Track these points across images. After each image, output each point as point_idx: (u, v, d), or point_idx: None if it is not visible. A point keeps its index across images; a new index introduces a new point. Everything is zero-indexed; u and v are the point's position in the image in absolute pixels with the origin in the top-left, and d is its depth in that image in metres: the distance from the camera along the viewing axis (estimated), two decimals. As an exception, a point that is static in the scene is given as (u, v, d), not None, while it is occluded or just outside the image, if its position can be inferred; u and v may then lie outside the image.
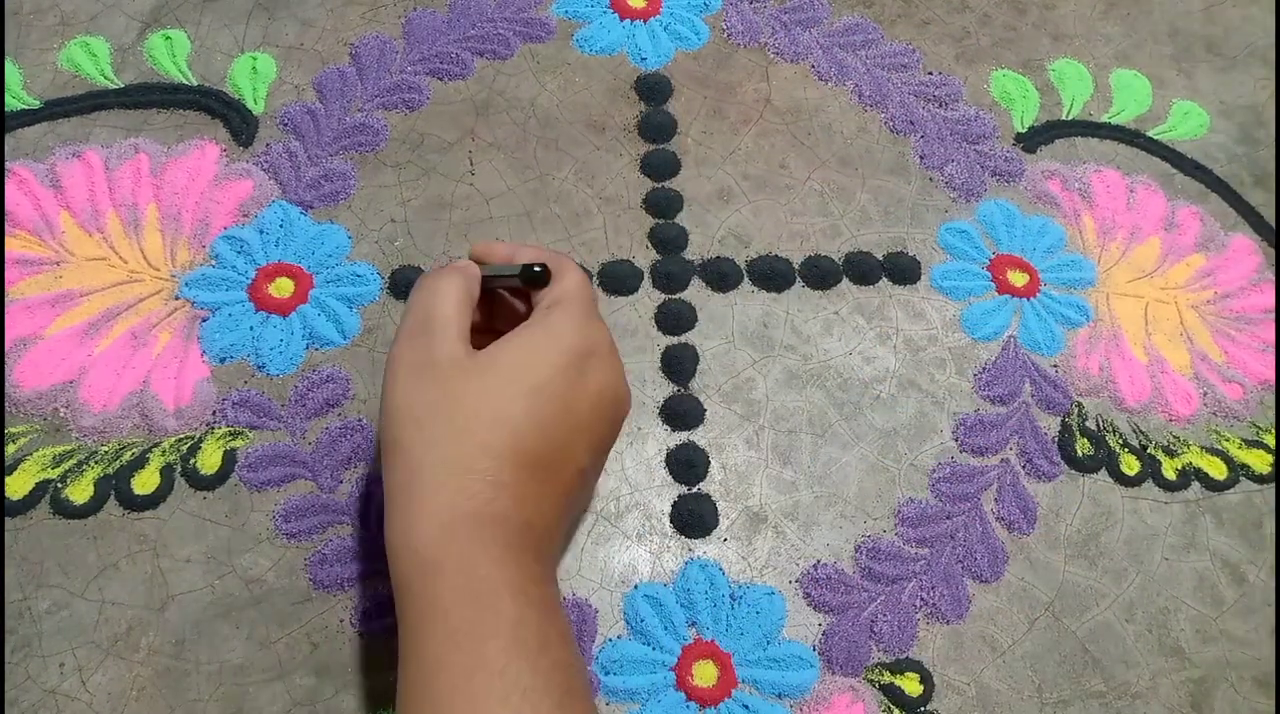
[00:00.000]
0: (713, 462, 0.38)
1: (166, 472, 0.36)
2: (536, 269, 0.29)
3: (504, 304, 0.33)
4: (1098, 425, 0.41)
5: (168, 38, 0.46)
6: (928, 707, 0.34)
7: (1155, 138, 0.50)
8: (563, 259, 0.31)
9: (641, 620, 0.34)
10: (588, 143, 0.45)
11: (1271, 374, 0.43)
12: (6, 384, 0.37)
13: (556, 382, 0.27)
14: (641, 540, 0.36)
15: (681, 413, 0.39)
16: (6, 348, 0.37)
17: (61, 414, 0.36)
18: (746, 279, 0.42)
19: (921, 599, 0.36)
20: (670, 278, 0.42)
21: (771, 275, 0.43)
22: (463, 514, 0.25)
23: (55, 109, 0.44)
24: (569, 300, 0.29)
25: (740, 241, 0.43)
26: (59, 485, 0.35)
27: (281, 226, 0.41)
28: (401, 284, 0.41)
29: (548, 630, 0.24)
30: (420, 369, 0.27)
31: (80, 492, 0.35)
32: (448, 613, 0.24)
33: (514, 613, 0.24)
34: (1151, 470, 0.40)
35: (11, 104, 0.43)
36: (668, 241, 0.43)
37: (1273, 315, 0.45)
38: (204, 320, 0.39)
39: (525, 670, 0.23)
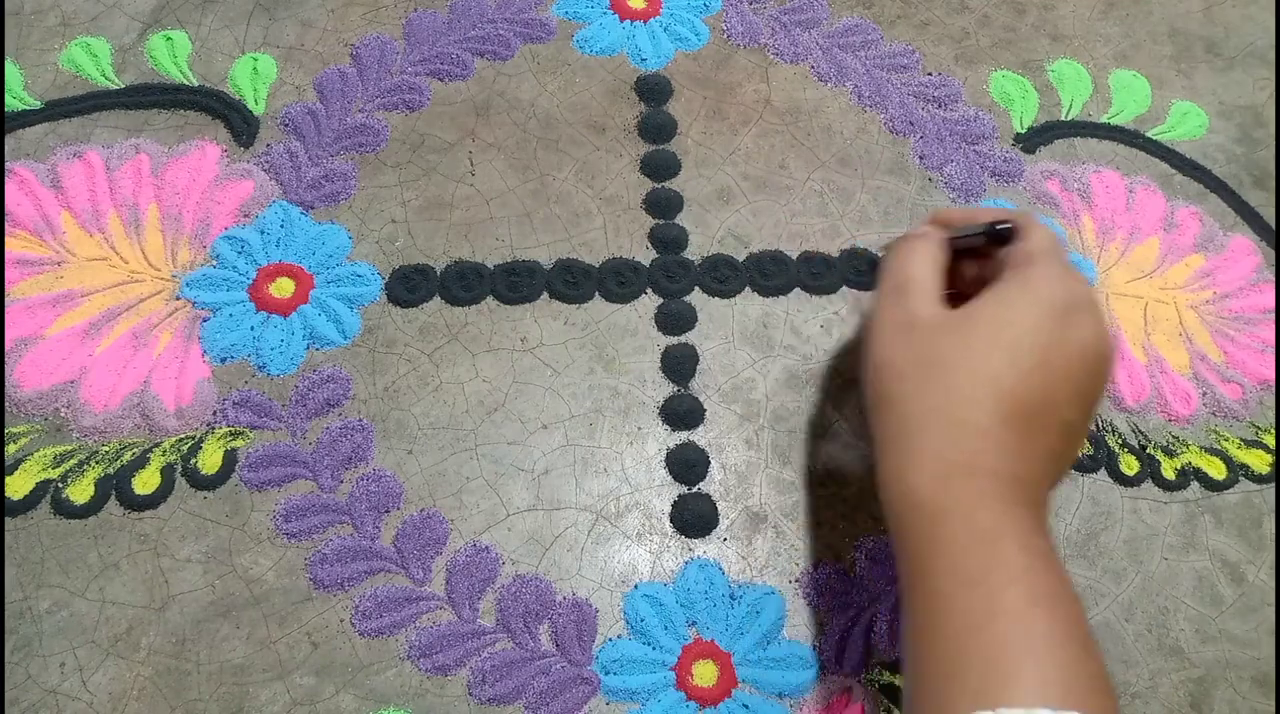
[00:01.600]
0: (713, 462, 0.38)
1: (167, 471, 0.36)
2: (1001, 227, 0.30)
3: (963, 272, 0.33)
4: (1097, 425, 0.41)
5: (169, 38, 0.46)
6: (927, 706, 0.34)
7: (1154, 138, 0.50)
8: (1027, 216, 0.31)
9: (641, 620, 0.34)
10: (588, 143, 0.45)
11: (1271, 374, 0.44)
12: (7, 384, 0.37)
13: (1037, 335, 0.27)
14: (641, 540, 0.36)
15: (681, 413, 0.39)
16: (7, 348, 0.37)
17: (62, 414, 0.37)
18: (746, 279, 0.42)
19: (921, 599, 0.36)
20: (670, 278, 0.42)
21: (771, 275, 0.43)
22: (955, 464, 0.26)
23: (56, 109, 0.44)
24: (1043, 254, 0.29)
25: (740, 242, 0.44)
26: (60, 485, 0.35)
27: (282, 227, 0.41)
28: (402, 284, 0.41)
29: (1055, 582, 0.25)
30: (902, 327, 0.28)
31: (81, 491, 0.35)
32: (956, 558, 0.24)
33: (1023, 561, 0.24)
34: (1151, 470, 0.40)
35: (12, 104, 0.43)
36: (668, 242, 0.43)
37: (1272, 315, 0.45)
38: (205, 320, 0.39)
39: (1043, 618, 0.23)
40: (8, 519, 0.34)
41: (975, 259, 0.33)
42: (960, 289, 0.30)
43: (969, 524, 0.25)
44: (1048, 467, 0.27)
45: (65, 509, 0.35)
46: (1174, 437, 0.41)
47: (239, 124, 0.44)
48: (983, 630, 0.23)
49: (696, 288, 0.42)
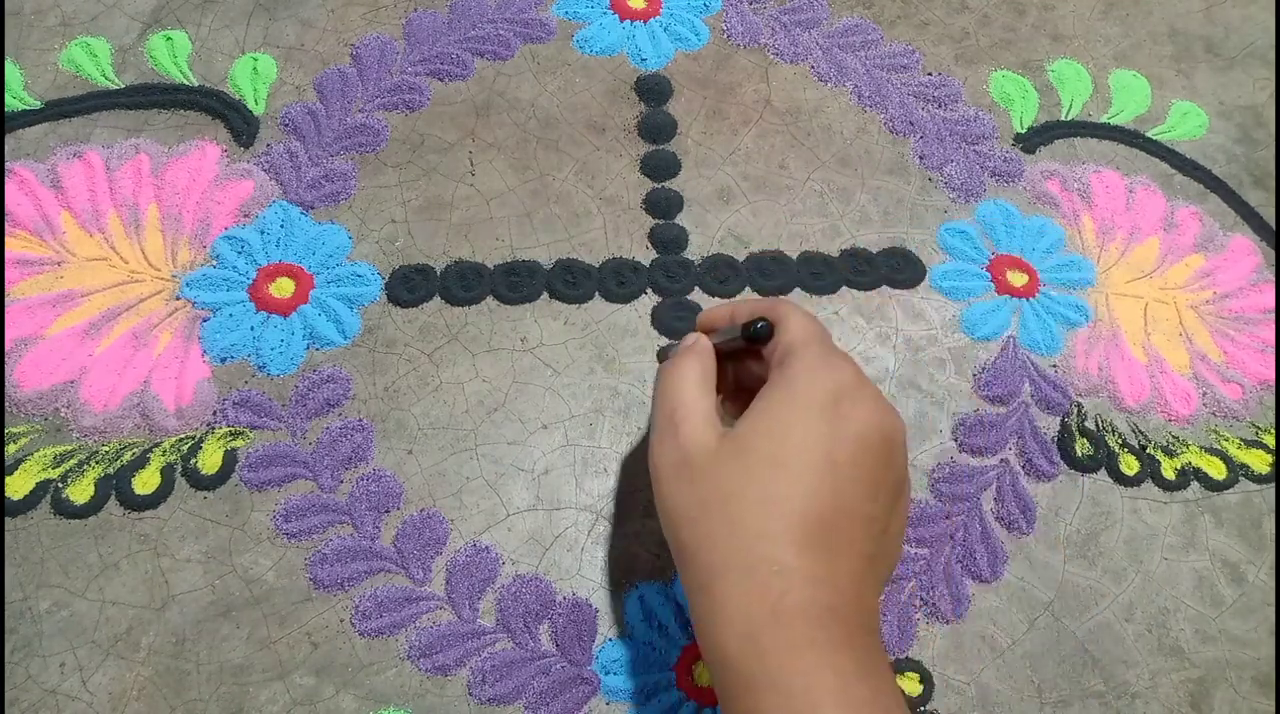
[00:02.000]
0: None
1: (167, 471, 0.36)
2: (757, 327, 0.29)
3: (747, 367, 0.32)
4: (1097, 425, 0.41)
5: (168, 38, 0.46)
6: (927, 707, 0.34)
7: (1154, 138, 0.50)
8: (781, 305, 0.30)
9: (641, 620, 0.34)
10: (588, 143, 0.45)
11: (1271, 374, 0.44)
12: (7, 384, 0.37)
13: (809, 441, 0.25)
14: (641, 540, 0.36)
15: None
16: (7, 348, 0.37)
17: (62, 414, 0.37)
18: (746, 279, 0.42)
19: (921, 599, 0.36)
20: (670, 278, 0.42)
21: (771, 275, 0.43)
22: (760, 617, 0.24)
23: (56, 109, 0.44)
24: (797, 347, 0.28)
25: (740, 242, 0.44)
26: (60, 485, 0.35)
27: (282, 227, 0.41)
28: (402, 284, 0.41)
29: None
30: (679, 467, 0.27)
31: (81, 491, 0.35)
32: None
33: (856, 693, 0.23)
34: (1151, 470, 0.40)
35: (12, 104, 0.43)
36: (668, 242, 0.43)
37: (1272, 315, 0.45)
38: (205, 320, 0.39)
39: None
40: (8, 519, 0.34)
41: (751, 356, 0.31)
42: (750, 387, 0.29)
43: (785, 695, 0.23)
44: (864, 576, 0.26)
45: (65, 509, 0.35)
46: (1174, 437, 0.41)
47: (239, 124, 0.44)
48: None
49: (697, 288, 0.42)
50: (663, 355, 0.35)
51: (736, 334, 0.30)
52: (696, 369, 0.29)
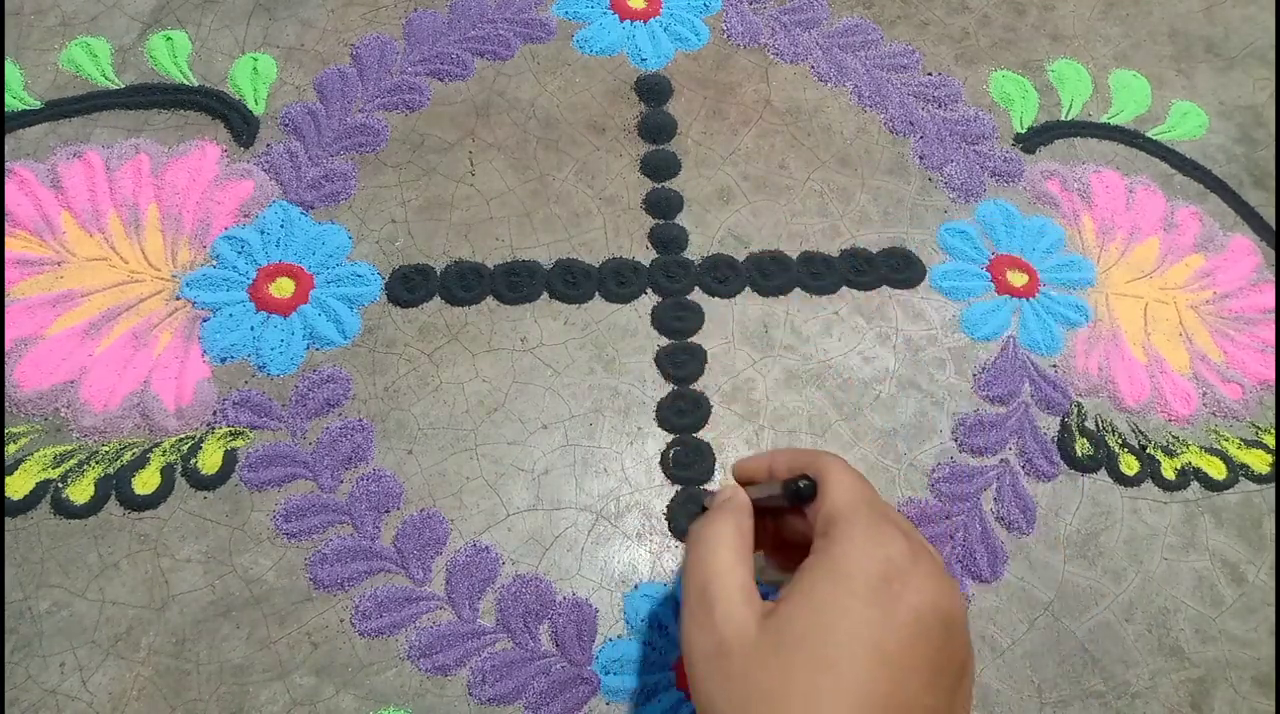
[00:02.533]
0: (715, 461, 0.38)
1: (167, 471, 0.36)
2: (800, 486, 0.26)
3: (787, 517, 0.29)
4: (1097, 425, 0.41)
5: (169, 38, 0.46)
6: (927, 706, 0.34)
7: (1154, 138, 0.50)
8: (823, 458, 0.27)
9: (641, 620, 0.34)
10: (588, 143, 0.45)
11: (1271, 374, 0.44)
12: (7, 384, 0.37)
13: (857, 631, 0.23)
14: (641, 540, 0.36)
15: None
16: (7, 348, 0.37)
17: (62, 414, 0.36)
18: (746, 279, 0.42)
19: (921, 599, 0.36)
20: (670, 278, 0.42)
21: (771, 275, 0.43)
22: None
23: (56, 109, 0.44)
24: (842, 514, 0.25)
25: (740, 242, 0.44)
26: (60, 485, 0.35)
27: (282, 227, 0.41)
28: (402, 284, 0.41)
29: None
30: (713, 656, 0.24)
31: (81, 492, 0.35)
32: None
33: None
34: (1151, 470, 0.40)
35: (12, 104, 0.43)
36: (668, 241, 0.43)
37: (1272, 315, 0.45)
38: (205, 320, 0.39)
39: None
40: (8, 519, 0.34)
41: (793, 511, 0.28)
42: (791, 540, 0.28)
43: None
44: None
45: (65, 509, 0.35)
46: (1174, 437, 0.41)
47: (239, 124, 0.44)
48: None
49: (697, 288, 0.42)
50: (697, 506, 0.32)
51: (777, 491, 0.27)
52: (732, 532, 0.26)
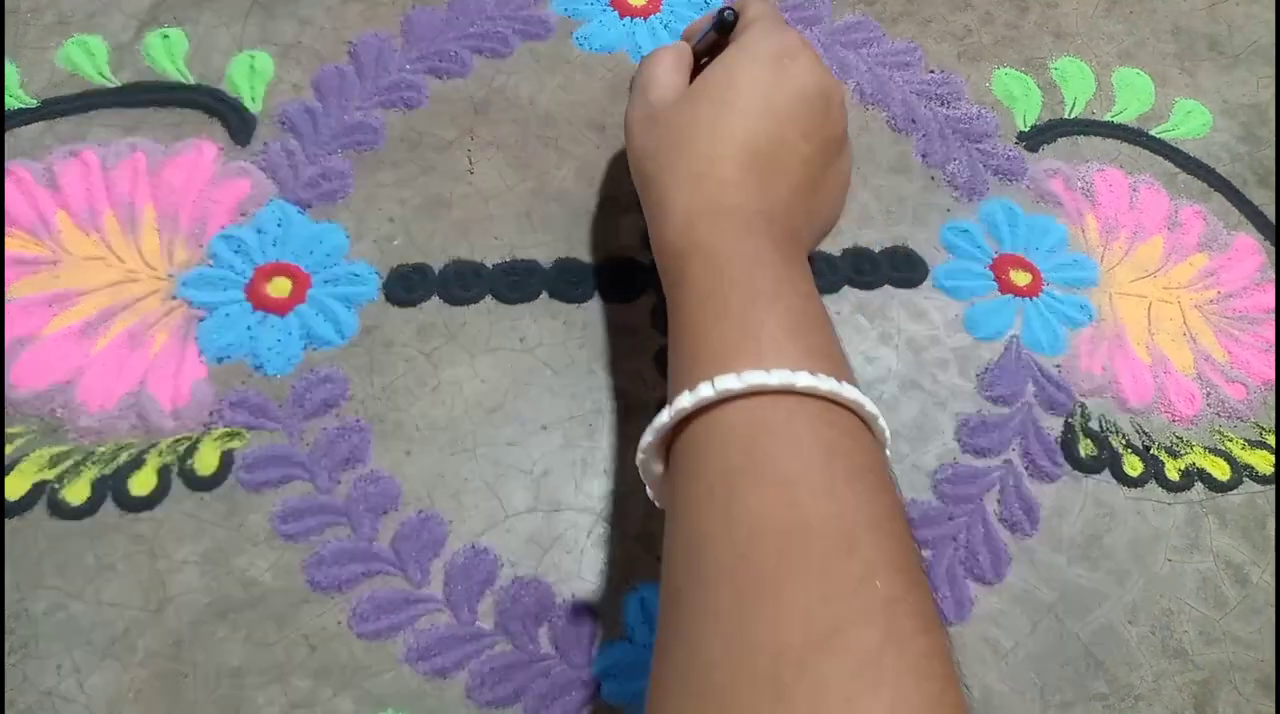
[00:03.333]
0: (713, 462, 0.38)
1: (164, 472, 0.35)
2: (725, 14, 0.33)
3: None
4: (1101, 426, 0.41)
5: (165, 36, 0.46)
6: (929, 709, 0.34)
7: (1158, 136, 0.50)
8: None
9: (641, 623, 0.34)
10: (588, 141, 0.45)
11: (1275, 374, 0.43)
12: (3, 385, 0.36)
13: (756, 84, 0.31)
14: (641, 542, 0.36)
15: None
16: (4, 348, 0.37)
17: (58, 415, 0.36)
18: (747, 279, 0.42)
19: (923, 601, 0.36)
20: (670, 277, 0.42)
21: (772, 275, 0.42)
22: (700, 210, 0.29)
23: (52, 108, 0.43)
24: (754, 19, 0.33)
25: (741, 241, 0.43)
26: (56, 486, 0.35)
27: (279, 226, 0.41)
28: (400, 283, 0.40)
29: (780, 282, 0.27)
30: (647, 119, 0.32)
31: (77, 492, 0.35)
32: (694, 282, 0.28)
33: (747, 272, 0.27)
34: (1154, 471, 0.40)
35: (9, 103, 0.43)
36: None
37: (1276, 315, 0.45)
38: (201, 320, 0.39)
39: (762, 310, 0.26)
40: (4, 520, 0.34)
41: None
42: None
43: (706, 255, 0.28)
44: (794, 199, 0.31)
45: (61, 510, 0.35)
46: (1178, 437, 0.41)
47: (236, 122, 0.44)
48: (712, 330, 0.26)
49: (697, 287, 0.42)
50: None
51: (708, 28, 0.34)
52: (672, 56, 0.34)
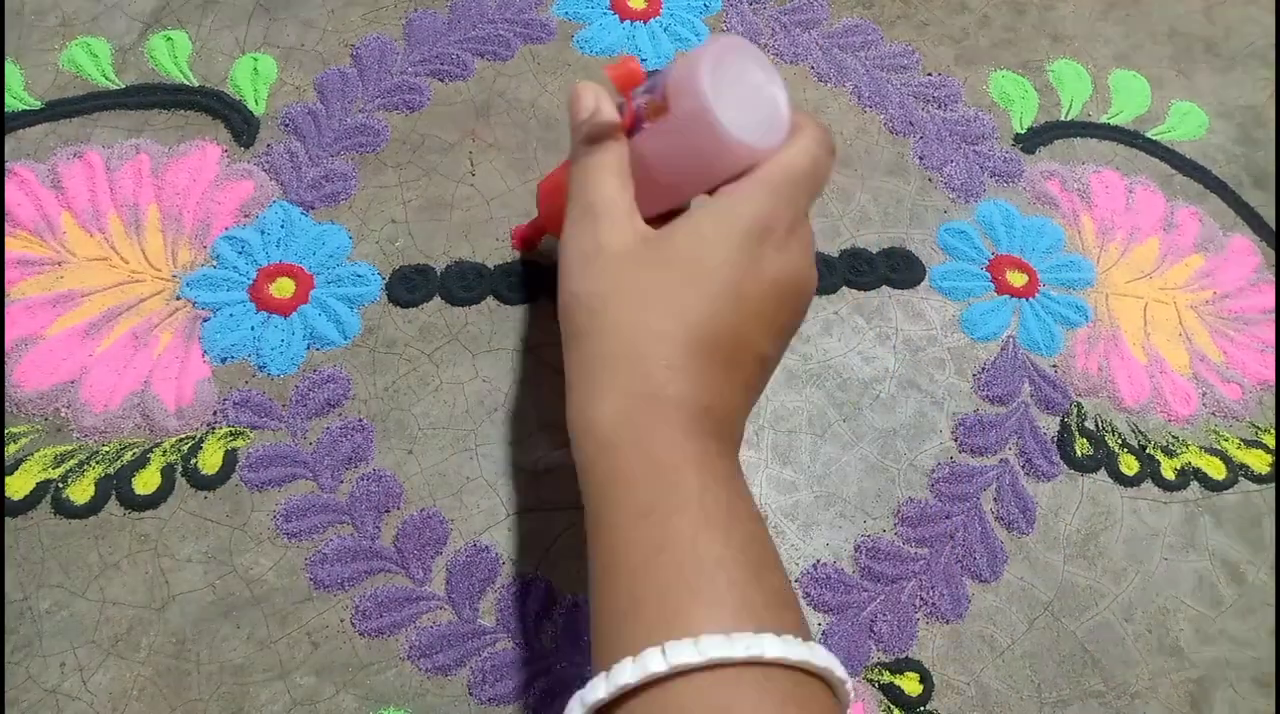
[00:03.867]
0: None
1: (167, 472, 0.36)
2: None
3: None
4: (1097, 425, 0.41)
5: (169, 39, 0.46)
6: (927, 706, 0.34)
7: (1154, 138, 0.50)
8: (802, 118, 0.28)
9: (641, 620, 0.34)
10: (588, 143, 0.45)
11: (1270, 374, 0.44)
12: (7, 384, 0.37)
13: (728, 270, 0.25)
14: (641, 540, 0.36)
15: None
16: (7, 348, 0.37)
17: (62, 414, 0.37)
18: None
19: (921, 599, 0.36)
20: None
21: (771, 276, 0.43)
22: (639, 396, 0.25)
23: (56, 110, 0.44)
24: (765, 172, 0.26)
25: (740, 242, 0.43)
26: (60, 485, 0.35)
27: (282, 227, 0.41)
28: (402, 284, 0.41)
29: (734, 503, 0.24)
30: (590, 258, 0.27)
31: (81, 491, 0.35)
32: (630, 488, 0.24)
33: (698, 485, 0.23)
34: (1150, 470, 0.40)
35: (13, 105, 0.43)
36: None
37: (1272, 316, 0.45)
38: (205, 320, 0.39)
39: (717, 542, 0.22)
40: (8, 519, 0.34)
41: None
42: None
43: (647, 453, 0.24)
44: (741, 398, 0.27)
45: (65, 509, 0.35)
46: (1174, 437, 0.41)
47: (239, 124, 0.44)
48: (654, 562, 0.22)
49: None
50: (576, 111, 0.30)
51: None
52: (616, 161, 0.28)
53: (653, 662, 0.20)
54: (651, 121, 0.27)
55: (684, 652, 0.20)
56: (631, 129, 0.28)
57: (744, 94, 0.26)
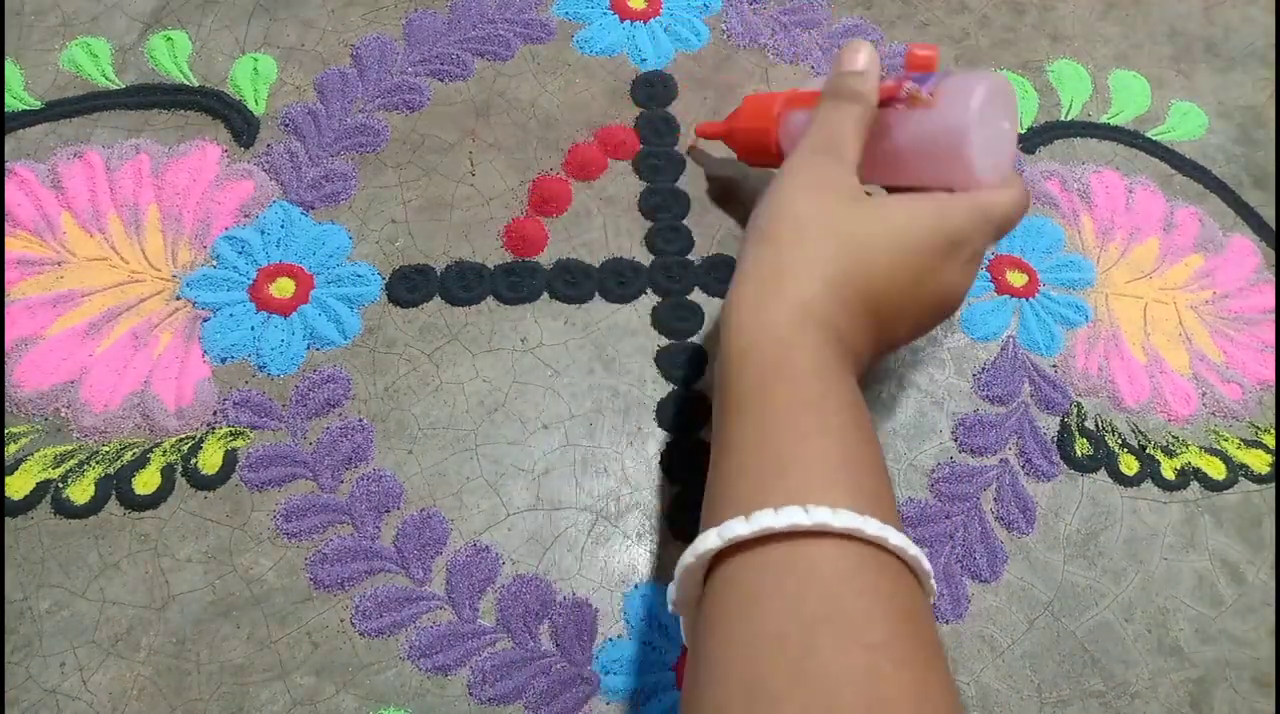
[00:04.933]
0: (713, 461, 0.38)
1: (167, 471, 0.36)
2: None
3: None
4: (1097, 425, 0.41)
5: (169, 39, 0.46)
6: (927, 706, 0.34)
7: (1154, 138, 0.50)
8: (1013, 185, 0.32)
9: (641, 620, 0.34)
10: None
11: (1270, 374, 0.44)
12: (7, 384, 0.37)
13: (919, 257, 0.29)
14: (641, 540, 0.36)
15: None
16: (7, 348, 0.37)
17: (62, 414, 0.37)
18: (746, 279, 0.42)
19: (921, 599, 0.36)
20: (670, 278, 0.42)
21: (771, 276, 0.43)
22: (814, 315, 0.28)
23: (56, 110, 0.44)
24: (981, 200, 0.30)
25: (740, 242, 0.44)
26: (60, 485, 0.35)
27: (282, 227, 0.41)
28: (402, 284, 0.41)
29: (859, 414, 0.27)
30: (816, 184, 0.30)
31: (81, 491, 0.35)
32: (799, 382, 0.26)
33: (852, 398, 0.27)
34: (1150, 470, 0.40)
35: (12, 104, 0.43)
36: (668, 242, 0.43)
37: (1272, 316, 0.45)
38: (205, 321, 0.39)
39: (864, 442, 0.26)
40: (8, 519, 0.34)
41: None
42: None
43: (816, 358, 0.27)
44: (872, 353, 0.30)
45: (65, 509, 0.35)
46: (1174, 437, 0.41)
47: (239, 124, 0.44)
48: (809, 441, 0.25)
49: (697, 288, 0.42)
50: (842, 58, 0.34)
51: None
52: (864, 119, 0.31)
53: (793, 514, 0.22)
54: (907, 107, 0.31)
55: (823, 514, 0.22)
56: (884, 102, 0.32)
57: (991, 133, 0.31)
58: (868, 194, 0.30)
